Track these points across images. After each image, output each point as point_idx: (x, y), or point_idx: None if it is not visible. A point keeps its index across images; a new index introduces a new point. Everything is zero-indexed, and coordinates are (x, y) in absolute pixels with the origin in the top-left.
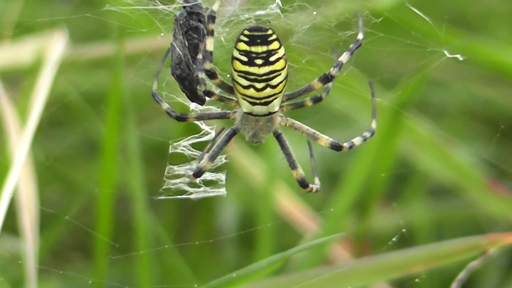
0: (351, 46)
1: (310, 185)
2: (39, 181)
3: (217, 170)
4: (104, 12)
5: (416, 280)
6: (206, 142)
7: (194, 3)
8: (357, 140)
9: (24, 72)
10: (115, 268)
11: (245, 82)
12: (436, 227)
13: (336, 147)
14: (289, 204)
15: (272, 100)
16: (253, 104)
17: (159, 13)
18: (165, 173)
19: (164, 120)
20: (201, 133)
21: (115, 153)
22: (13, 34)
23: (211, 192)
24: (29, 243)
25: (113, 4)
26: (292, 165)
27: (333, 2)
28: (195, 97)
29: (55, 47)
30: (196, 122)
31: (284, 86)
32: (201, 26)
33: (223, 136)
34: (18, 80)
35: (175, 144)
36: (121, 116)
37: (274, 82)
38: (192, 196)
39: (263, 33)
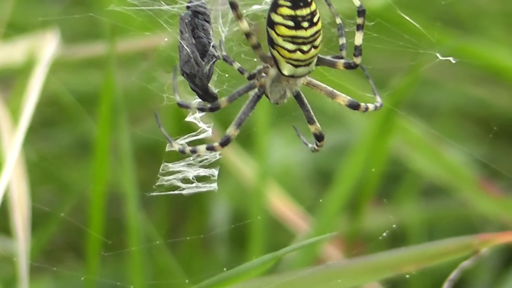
0: (358, 21)
1: (324, 140)
2: (31, 181)
3: (210, 165)
4: (98, 13)
5: (407, 276)
6: (203, 141)
7: (197, 3)
8: (371, 106)
9: (16, 72)
10: (107, 266)
11: (292, 46)
12: (428, 227)
13: (354, 106)
14: (281, 203)
15: (314, 60)
16: (297, 66)
17: (163, 14)
18: (160, 170)
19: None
20: (198, 131)
21: (107, 153)
22: (4, 34)
23: (203, 188)
24: (22, 243)
25: (117, 4)
26: (311, 120)
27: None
28: (206, 95)
29: (47, 47)
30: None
31: (322, 45)
32: (207, 24)
33: (247, 102)
34: (10, 80)
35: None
36: (113, 116)
37: (317, 42)
38: (184, 192)
39: None
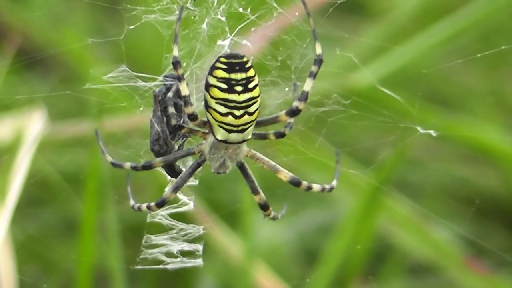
0: (312, 69)
1: (270, 209)
2: (18, 259)
3: (194, 240)
4: (84, 90)
5: None
6: (183, 213)
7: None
8: (316, 186)
9: (3, 150)
10: None
11: (223, 110)
12: None
13: (295, 183)
14: (267, 282)
15: (248, 128)
16: (230, 131)
17: (139, 88)
18: (143, 242)
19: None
20: (179, 203)
21: (94, 232)
22: None
23: (188, 263)
24: None
25: (94, 83)
26: (255, 191)
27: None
28: (173, 173)
29: (33, 125)
30: (168, 177)
31: (258, 114)
32: (180, 102)
33: (187, 169)
34: None
35: (153, 213)
36: (100, 195)
37: (252, 109)
38: (169, 266)
39: (240, 60)
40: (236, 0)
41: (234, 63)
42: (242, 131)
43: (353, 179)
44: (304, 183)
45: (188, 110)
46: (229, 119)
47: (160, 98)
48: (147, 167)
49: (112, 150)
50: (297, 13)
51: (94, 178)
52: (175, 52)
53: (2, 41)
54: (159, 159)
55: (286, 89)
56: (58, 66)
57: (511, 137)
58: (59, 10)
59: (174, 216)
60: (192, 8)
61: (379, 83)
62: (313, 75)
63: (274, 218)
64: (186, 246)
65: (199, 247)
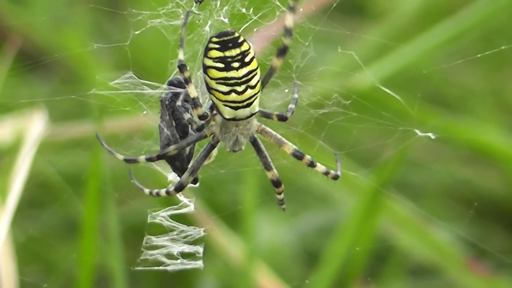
0: (290, 5)
1: (282, 187)
2: (18, 260)
3: (195, 242)
4: (87, 95)
5: None
6: (184, 214)
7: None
8: (320, 167)
9: (3, 152)
10: None
11: (225, 88)
12: None
13: (298, 156)
14: (268, 283)
15: (253, 101)
16: (236, 108)
17: (145, 95)
18: (143, 243)
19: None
20: (179, 204)
21: (95, 233)
22: None
23: (188, 265)
24: None
25: (100, 88)
26: (268, 167)
27: (307, 80)
28: (181, 168)
29: (34, 127)
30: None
31: (260, 85)
32: (187, 105)
33: (201, 151)
34: None
35: (153, 214)
36: (101, 196)
37: (253, 82)
38: (169, 268)
39: (232, 37)
40: (239, 1)
41: (227, 40)
42: (248, 105)
43: (353, 180)
44: (307, 157)
45: (198, 111)
46: (233, 96)
47: (167, 102)
48: (162, 156)
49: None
50: (301, 9)
51: (94, 179)
52: (181, 56)
53: (3, 42)
54: (173, 146)
55: (286, 90)
56: (59, 68)
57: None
58: (60, 11)
59: (174, 217)
60: (197, 12)
61: (379, 84)
62: (293, 10)
63: (282, 202)
64: (187, 248)
65: (200, 249)
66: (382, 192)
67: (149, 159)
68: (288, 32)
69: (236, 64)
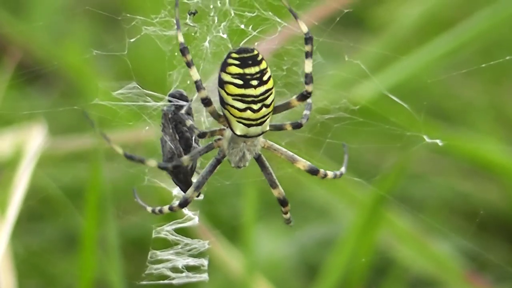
0: (306, 49)
1: (289, 206)
2: (18, 274)
3: (199, 255)
4: (89, 106)
5: None
6: (189, 228)
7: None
8: (330, 173)
9: (3, 165)
10: None
11: (241, 105)
12: None
13: (313, 171)
14: None
15: (266, 120)
16: (249, 126)
17: (148, 107)
18: (148, 258)
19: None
20: (184, 218)
21: (94, 247)
22: None
23: (193, 278)
24: None
25: (102, 99)
26: (274, 184)
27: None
28: (186, 183)
29: (34, 140)
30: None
31: (274, 105)
32: (190, 118)
33: (207, 166)
34: None
35: (158, 228)
36: (100, 210)
37: (268, 101)
38: (174, 282)
39: (252, 54)
40: (237, 17)
41: (246, 57)
42: (261, 123)
43: (353, 192)
44: (321, 171)
45: (202, 94)
46: (248, 113)
47: (170, 115)
48: (177, 166)
49: (116, 167)
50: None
51: (94, 192)
52: (180, 38)
53: (2, 55)
54: (187, 157)
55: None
56: (59, 81)
57: None
58: (59, 24)
59: (177, 231)
60: (191, 25)
61: (379, 97)
62: (309, 55)
63: (289, 221)
64: (192, 261)
65: (205, 261)
66: (382, 204)
67: (164, 168)
68: (308, 77)
69: (254, 82)
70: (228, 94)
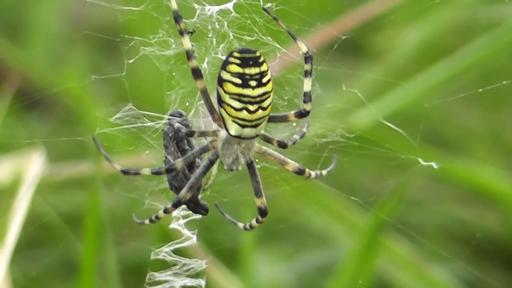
0: (305, 68)
1: (266, 218)
2: None
3: (197, 275)
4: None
5: None
6: (187, 248)
7: (180, 119)
8: (312, 173)
9: (2, 192)
10: None
11: (238, 105)
12: None
13: (300, 171)
14: None
15: (261, 123)
16: (243, 126)
17: (147, 129)
18: (146, 279)
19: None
20: (182, 238)
21: (93, 273)
22: None
23: None
24: None
25: (101, 127)
26: (259, 193)
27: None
28: (198, 206)
29: (32, 167)
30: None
31: (271, 109)
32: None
33: (200, 167)
34: None
35: (156, 250)
36: (99, 237)
37: (265, 104)
38: None
39: (254, 55)
40: (236, 40)
41: (248, 57)
42: (256, 126)
43: (352, 219)
44: (307, 170)
45: (192, 63)
46: (244, 114)
47: (170, 135)
48: (170, 170)
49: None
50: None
51: (93, 219)
52: (174, 5)
53: (1, 82)
54: (179, 160)
55: (294, 124)
56: (58, 108)
57: (510, 178)
58: (57, 49)
59: (177, 251)
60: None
61: (377, 125)
62: (309, 74)
63: (252, 227)
64: (189, 282)
65: (202, 282)
66: (380, 231)
67: (157, 173)
68: (307, 96)
69: (253, 83)
70: (225, 92)
